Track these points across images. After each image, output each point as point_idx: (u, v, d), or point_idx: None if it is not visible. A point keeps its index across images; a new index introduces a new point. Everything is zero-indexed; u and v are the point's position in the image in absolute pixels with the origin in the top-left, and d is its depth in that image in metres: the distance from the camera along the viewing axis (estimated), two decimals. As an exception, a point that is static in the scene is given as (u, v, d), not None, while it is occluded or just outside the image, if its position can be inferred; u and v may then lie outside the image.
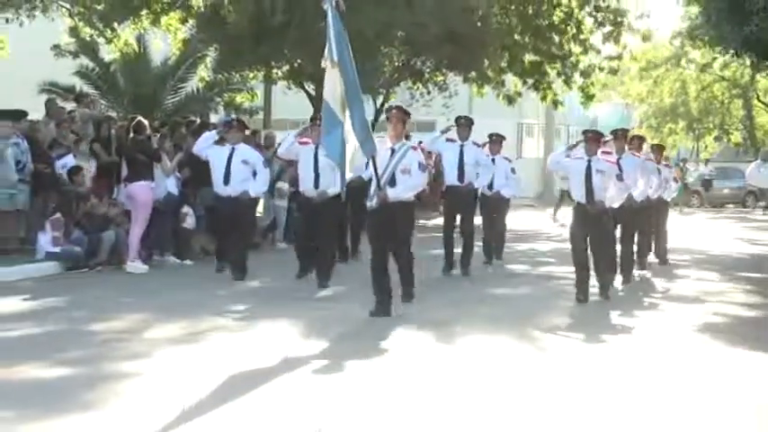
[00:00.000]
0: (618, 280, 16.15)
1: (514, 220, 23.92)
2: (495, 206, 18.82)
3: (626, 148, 16.59)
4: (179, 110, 27.36)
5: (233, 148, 15.93)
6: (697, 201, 47.51)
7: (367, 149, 12.23)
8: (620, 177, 14.15)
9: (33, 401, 8.33)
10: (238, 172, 15.86)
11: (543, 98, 36.83)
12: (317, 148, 14.77)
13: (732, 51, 32.91)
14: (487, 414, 8.09)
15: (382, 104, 35.45)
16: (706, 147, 63.02)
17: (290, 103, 36.77)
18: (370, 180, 12.84)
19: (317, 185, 15.06)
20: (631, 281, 16.91)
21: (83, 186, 17.38)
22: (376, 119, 34.14)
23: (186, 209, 18.58)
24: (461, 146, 17.14)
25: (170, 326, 12.14)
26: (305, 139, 15.27)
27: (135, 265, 16.84)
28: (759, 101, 55.33)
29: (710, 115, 59.02)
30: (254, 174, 16.13)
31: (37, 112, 21.30)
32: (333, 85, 12.18)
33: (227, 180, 15.84)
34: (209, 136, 16.26)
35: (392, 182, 12.63)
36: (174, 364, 9.98)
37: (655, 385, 9.32)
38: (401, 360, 10.22)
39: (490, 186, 18.40)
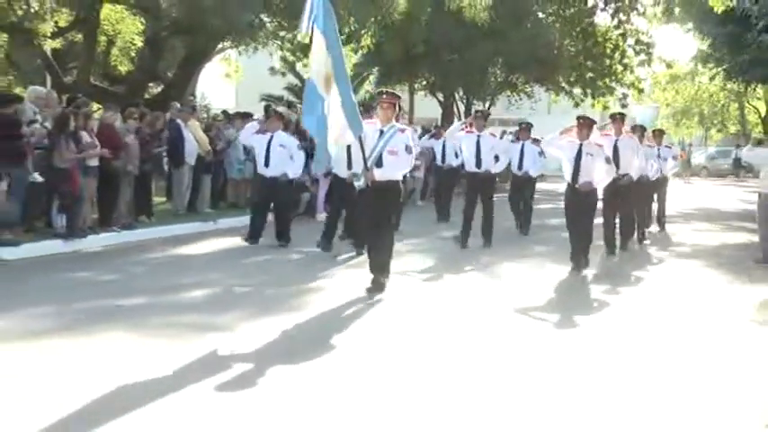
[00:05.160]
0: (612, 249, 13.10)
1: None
2: (525, 184, 16.16)
3: (623, 130, 13.49)
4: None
5: (272, 135, 13.33)
6: (705, 173, 46.92)
7: (355, 130, 9.09)
8: (608, 160, 11.48)
9: (250, 307, 8.52)
10: (277, 155, 13.28)
11: (592, 106, 36.43)
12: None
13: (730, 74, 32.68)
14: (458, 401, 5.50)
15: (489, 107, 35.44)
16: (711, 136, 62.19)
17: (427, 106, 37.86)
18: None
19: (349, 167, 12.15)
20: (629, 248, 13.83)
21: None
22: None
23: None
24: (478, 136, 13.88)
25: (343, 255, 12.27)
26: None
27: (322, 216, 16.88)
28: (749, 104, 54.77)
29: (715, 114, 58.38)
30: (291, 157, 13.50)
31: (258, 114, 21.71)
32: (318, 59, 8.72)
33: (267, 163, 13.34)
34: (250, 126, 13.72)
35: (379, 162, 9.45)
36: (346, 282, 10.04)
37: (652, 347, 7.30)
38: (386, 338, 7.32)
39: (520, 167, 15.89)
